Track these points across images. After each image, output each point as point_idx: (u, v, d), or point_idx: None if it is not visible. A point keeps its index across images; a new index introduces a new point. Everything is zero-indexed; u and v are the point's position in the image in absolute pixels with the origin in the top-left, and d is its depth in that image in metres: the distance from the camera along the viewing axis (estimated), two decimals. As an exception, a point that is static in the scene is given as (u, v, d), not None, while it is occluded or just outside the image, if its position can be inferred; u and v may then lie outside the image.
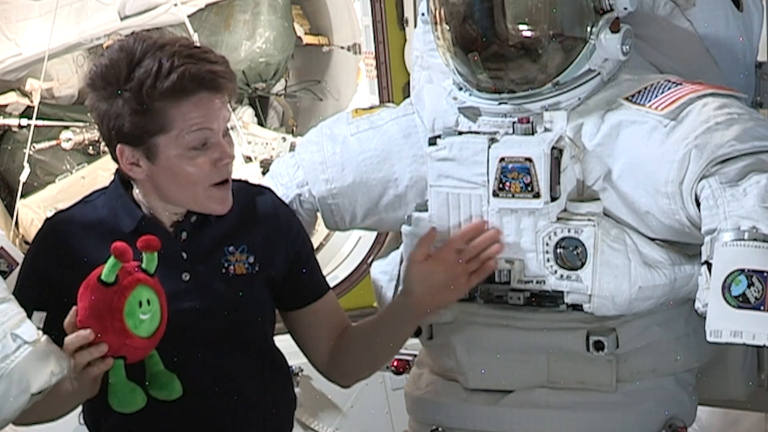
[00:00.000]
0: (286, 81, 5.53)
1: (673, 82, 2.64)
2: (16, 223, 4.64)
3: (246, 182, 2.61)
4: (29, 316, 2.25)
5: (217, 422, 2.45)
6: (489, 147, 2.62)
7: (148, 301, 2.23)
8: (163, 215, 2.44)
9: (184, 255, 2.43)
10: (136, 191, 2.45)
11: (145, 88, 2.30)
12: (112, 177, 2.50)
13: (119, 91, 2.32)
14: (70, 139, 4.99)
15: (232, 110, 2.46)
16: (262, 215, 2.54)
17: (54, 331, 2.24)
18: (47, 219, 2.50)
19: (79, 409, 2.50)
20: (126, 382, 2.26)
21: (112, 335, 2.19)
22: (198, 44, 2.41)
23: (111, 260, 2.19)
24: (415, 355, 3.13)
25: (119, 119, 2.34)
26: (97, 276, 2.20)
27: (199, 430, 2.45)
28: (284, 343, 2.67)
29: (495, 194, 2.61)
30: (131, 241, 2.31)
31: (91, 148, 5.07)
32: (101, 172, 4.75)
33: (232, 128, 2.56)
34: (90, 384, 2.24)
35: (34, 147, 4.89)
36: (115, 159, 2.42)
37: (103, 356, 2.20)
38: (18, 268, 2.74)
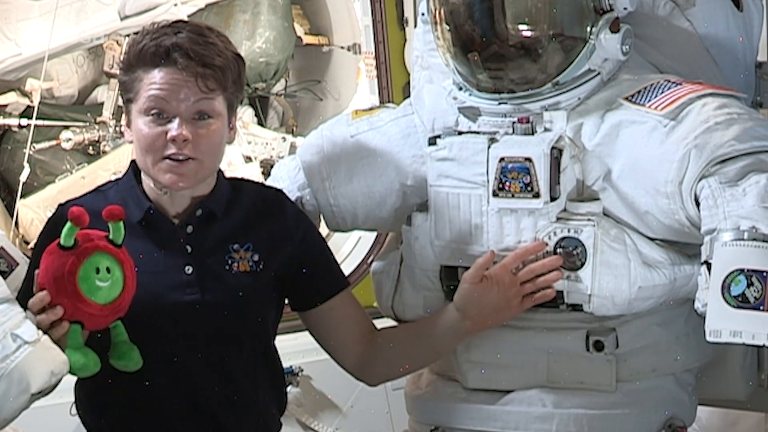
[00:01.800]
0: (286, 81, 5.53)
1: (673, 82, 2.64)
2: (16, 223, 4.64)
3: (257, 183, 2.64)
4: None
5: (214, 418, 2.46)
6: (489, 147, 2.62)
7: (108, 269, 2.25)
8: (169, 207, 2.47)
9: (189, 248, 2.45)
10: (143, 180, 2.48)
11: (126, 55, 2.46)
12: (126, 169, 2.55)
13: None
14: (70, 139, 4.99)
15: (224, 101, 2.47)
16: (269, 215, 2.56)
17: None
18: (60, 205, 2.53)
19: (71, 400, 2.52)
20: (80, 346, 2.27)
21: (65, 298, 2.22)
22: (202, 29, 2.45)
23: (68, 224, 2.22)
24: (415, 355, 3.13)
25: (119, 79, 2.50)
26: (57, 240, 2.24)
27: (196, 424, 2.46)
28: (285, 343, 2.68)
29: (495, 194, 2.61)
30: (138, 231, 2.40)
31: (91, 148, 5.07)
32: (101, 172, 4.75)
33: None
34: None
35: (34, 147, 4.89)
36: None
37: (61, 320, 2.22)
38: (18, 268, 2.75)
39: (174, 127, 2.38)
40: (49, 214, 2.57)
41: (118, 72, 2.52)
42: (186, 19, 4.71)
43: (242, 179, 2.65)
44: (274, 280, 2.53)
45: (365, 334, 2.68)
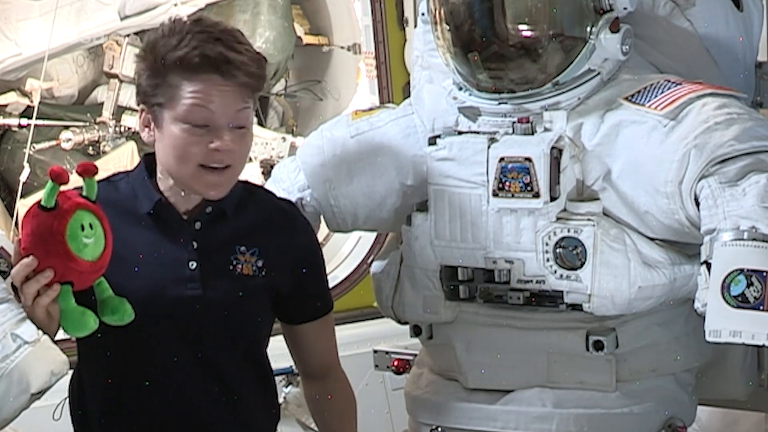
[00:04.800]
0: (286, 81, 5.53)
1: (673, 82, 2.64)
2: (16, 223, 4.64)
3: (272, 193, 2.65)
4: None
5: (205, 417, 2.46)
6: (489, 147, 2.62)
7: (90, 225, 2.23)
8: (180, 204, 2.46)
9: (195, 244, 2.45)
10: (158, 177, 2.47)
11: (161, 55, 2.37)
12: (138, 162, 2.54)
13: (153, 57, 2.40)
14: (70, 139, 5.00)
15: (252, 110, 2.47)
16: (281, 226, 2.55)
17: None
18: None
19: (56, 403, 2.51)
20: (76, 306, 2.24)
21: (55, 259, 2.19)
22: (233, 32, 2.43)
23: (49, 184, 2.19)
24: (415, 355, 3.14)
25: (141, 80, 2.43)
26: (37, 202, 2.21)
27: (187, 423, 2.46)
28: (285, 343, 2.68)
29: (495, 194, 2.62)
30: (147, 222, 2.40)
31: (91, 148, 5.08)
32: (101, 172, 4.74)
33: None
34: (45, 319, 2.22)
35: (34, 147, 4.89)
36: None
37: (50, 283, 2.19)
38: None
39: (219, 139, 2.36)
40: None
41: (137, 73, 2.44)
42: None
43: (257, 186, 2.66)
44: (271, 289, 2.53)
45: (322, 365, 2.69)
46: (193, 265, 2.43)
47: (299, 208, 2.92)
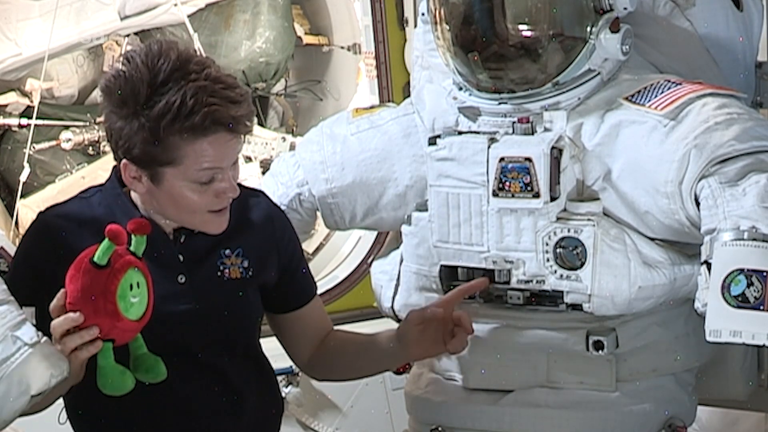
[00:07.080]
0: (286, 81, 5.53)
1: (673, 82, 2.64)
2: (16, 223, 4.63)
3: (240, 185, 2.55)
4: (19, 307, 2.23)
5: (211, 423, 2.46)
6: (489, 147, 2.62)
7: (138, 284, 2.22)
8: (161, 219, 2.42)
9: (181, 257, 2.42)
10: (134, 193, 2.44)
11: (163, 122, 2.25)
12: (109, 174, 2.48)
13: (136, 113, 2.26)
14: (70, 139, 4.99)
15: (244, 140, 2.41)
16: (256, 220, 2.53)
17: (45, 325, 2.22)
18: (40, 213, 2.45)
19: (59, 408, 2.50)
20: (115, 365, 2.24)
21: (103, 317, 2.17)
22: (223, 78, 2.31)
23: (105, 242, 2.17)
24: (415, 355, 3.14)
25: (130, 141, 2.28)
26: (89, 258, 2.18)
27: (195, 427, 2.45)
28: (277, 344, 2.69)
29: (495, 194, 2.62)
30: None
31: (91, 148, 5.07)
32: (101, 173, 4.74)
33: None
34: (77, 370, 2.21)
35: (34, 147, 4.89)
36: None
37: (93, 339, 2.17)
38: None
39: (225, 181, 2.33)
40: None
41: (115, 127, 2.29)
42: (186, 21, 4.73)
43: None
44: (260, 286, 2.52)
45: (322, 337, 2.68)
46: (182, 279, 2.41)
47: (298, 203, 2.94)
